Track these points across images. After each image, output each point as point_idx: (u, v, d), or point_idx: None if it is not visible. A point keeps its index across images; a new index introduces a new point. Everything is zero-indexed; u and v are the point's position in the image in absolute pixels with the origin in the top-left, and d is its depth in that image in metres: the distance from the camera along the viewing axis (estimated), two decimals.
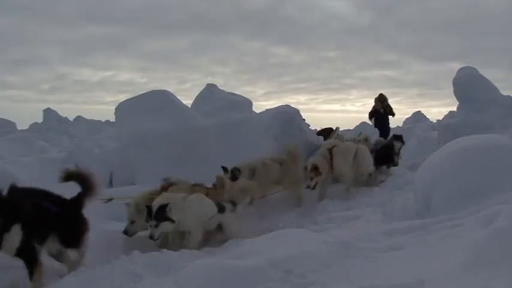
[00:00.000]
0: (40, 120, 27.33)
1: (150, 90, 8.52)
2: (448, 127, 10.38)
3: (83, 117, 29.17)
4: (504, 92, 10.62)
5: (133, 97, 8.47)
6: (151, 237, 4.53)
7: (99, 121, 29.85)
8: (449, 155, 4.67)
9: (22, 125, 25.93)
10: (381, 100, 12.13)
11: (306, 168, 6.93)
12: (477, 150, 4.51)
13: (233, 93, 10.13)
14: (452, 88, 10.77)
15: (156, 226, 4.52)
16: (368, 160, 7.74)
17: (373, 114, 12.24)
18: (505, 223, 2.66)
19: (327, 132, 11.01)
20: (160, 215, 4.51)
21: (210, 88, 9.94)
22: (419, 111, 25.65)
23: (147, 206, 4.61)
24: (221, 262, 3.00)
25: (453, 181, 4.36)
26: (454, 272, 2.46)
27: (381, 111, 12.02)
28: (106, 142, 14.02)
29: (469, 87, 10.34)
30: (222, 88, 10.07)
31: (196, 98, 10.06)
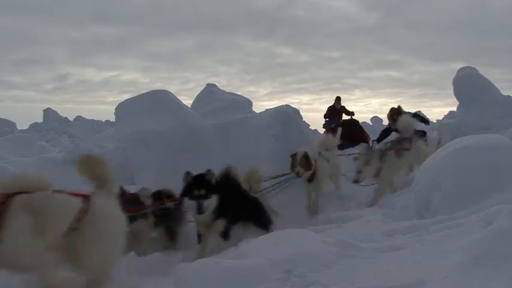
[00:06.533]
0: (40, 120, 27.38)
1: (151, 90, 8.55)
2: (448, 127, 10.37)
3: (83, 117, 29.22)
4: (504, 92, 10.62)
5: (133, 97, 8.49)
6: None
7: (99, 121, 29.86)
8: (449, 155, 4.66)
9: (22, 125, 25.91)
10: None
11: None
12: (477, 150, 4.51)
13: (233, 93, 10.17)
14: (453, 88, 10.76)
15: None
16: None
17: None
18: (505, 223, 2.66)
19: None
20: None
21: (210, 88, 9.97)
22: (420, 111, 25.83)
23: None
24: (221, 262, 2.99)
25: (453, 181, 4.36)
26: (454, 271, 2.46)
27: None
28: (106, 142, 14.04)
29: (469, 87, 10.32)
30: (225, 88, 10.12)
31: (196, 98, 10.09)
